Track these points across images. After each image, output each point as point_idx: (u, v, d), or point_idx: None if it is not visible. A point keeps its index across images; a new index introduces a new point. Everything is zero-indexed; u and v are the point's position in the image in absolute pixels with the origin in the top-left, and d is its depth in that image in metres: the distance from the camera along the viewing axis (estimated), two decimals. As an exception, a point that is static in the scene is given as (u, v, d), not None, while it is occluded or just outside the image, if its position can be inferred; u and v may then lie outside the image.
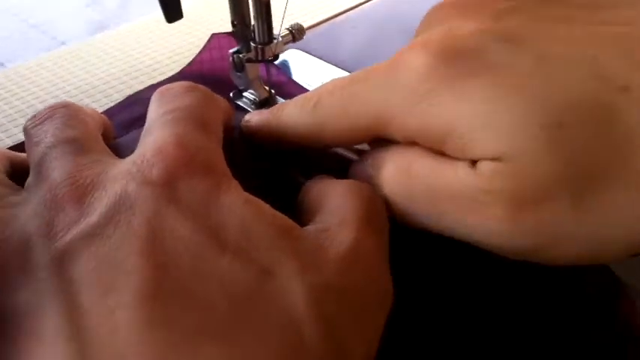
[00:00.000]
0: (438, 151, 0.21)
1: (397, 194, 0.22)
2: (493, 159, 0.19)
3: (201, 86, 0.25)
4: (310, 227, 0.20)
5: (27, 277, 0.18)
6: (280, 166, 0.30)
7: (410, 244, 0.23)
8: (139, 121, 0.36)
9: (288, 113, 0.26)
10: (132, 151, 0.22)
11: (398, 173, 0.22)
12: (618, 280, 0.26)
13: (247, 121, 0.29)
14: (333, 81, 0.24)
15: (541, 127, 0.18)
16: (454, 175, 0.20)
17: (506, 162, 0.19)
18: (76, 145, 0.22)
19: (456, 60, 0.20)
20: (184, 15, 0.32)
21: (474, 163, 0.20)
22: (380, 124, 0.22)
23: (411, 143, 0.22)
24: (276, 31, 0.35)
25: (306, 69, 0.44)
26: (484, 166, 0.19)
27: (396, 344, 0.21)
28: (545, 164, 0.18)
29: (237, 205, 0.19)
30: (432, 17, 0.23)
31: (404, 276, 0.21)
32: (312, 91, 0.25)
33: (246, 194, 0.20)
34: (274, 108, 0.27)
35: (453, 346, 0.24)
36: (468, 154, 0.20)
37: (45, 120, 0.23)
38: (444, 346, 0.24)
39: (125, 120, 0.36)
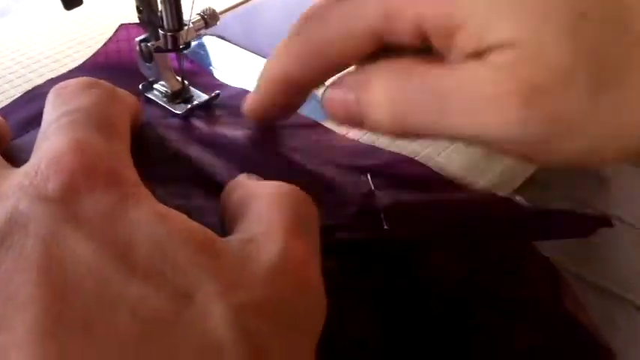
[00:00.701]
0: (444, 46, 0.22)
1: (398, 106, 0.22)
2: (510, 46, 0.20)
3: (102, 82, 0.23)
4: (233, 238, 0.18)
5: None
6: (200, 166, 0.28)
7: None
8: (39, 118, 0.33)
9: (283, 49, 0.26)
10: (28, 156, 0.19)
11: (397, 84, 0.22)
12: (560, 275, 0.26)
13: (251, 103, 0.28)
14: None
15: (566, 15, 0.19)
16: (466, 72, 0.21)
17: (524, 48, 0.19)
18: None
19: None
20: (84, 2, 0.29)
21: (481, 56, 0.20)
22: (387, 18, 0.22)
23: (398, 58, 0.23)
24: (186, 17, 0.33)
25: (224, 57, 0.42)
26: (498, 57, 0.20)
27: None
28: (565, 52, 0.19)
29: (148, 220, 0.17)
30: None
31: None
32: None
33: (160, 206, 0.18)
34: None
35: None
36: (485, 40, 0.20)
37: None
38: None
39: (23, 118, 0.33)
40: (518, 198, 0.26)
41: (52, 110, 0.21)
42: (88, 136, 0.19)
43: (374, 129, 0.24)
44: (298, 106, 0.29)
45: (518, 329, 0.24)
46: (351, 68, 0.26)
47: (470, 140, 0.22)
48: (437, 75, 0.22)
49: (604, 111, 0.20)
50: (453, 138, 0.23)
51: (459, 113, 0.21)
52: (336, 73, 0.26)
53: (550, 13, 0.19)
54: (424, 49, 0.23)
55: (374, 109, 0.23)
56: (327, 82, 0.26)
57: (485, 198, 0.25)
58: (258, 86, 0.27)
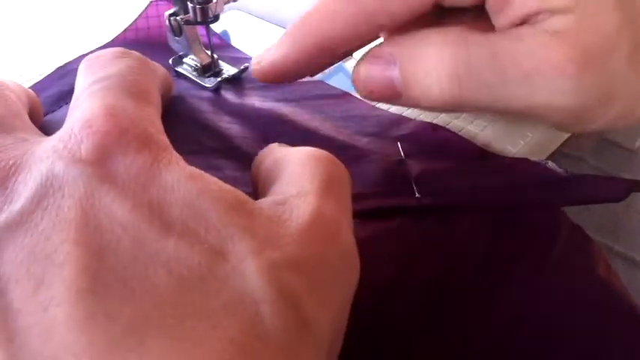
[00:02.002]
0: (499, 8, 0.22)
1: (452, 75, 0.22)
2: (564, 11, 0.20)
3: (133, 52, 0.23)
4: (265, 200, 0.18)
5: None
6: (231, 138, 0.28)
7: None
8: (71, 94, 0.33)
9: (323, 11, 0.24)
10: None
11: (453, 50, 0.22)
12: (592, 242, 0.25)
13: (261, 60, 0.26)
14: None
15: None
16: (520, 39, 0.21)
17: (578, 15, 0.20)
18: None
19: None
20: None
21: (532, 22, 0.21)
22: None
23: (449, 26, 0.23)
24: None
25: (246, 32, 0.42)
26: (554, 23, 0.20)
27: None
28: (614, 16, 0.20)
29: (181, 181, 0.17)
30: None
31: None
32: None
33: (191, 168, 0.18)
34: (296, 22, 0.25)
35: None
36: (544, 4, 0.21)
37: None
38: None
39: (54, 94, 0.33)
40: (550, 164, 0.26)
41: (83, 79, 0.21)
42: (120, 101, 0.19)
43: (420, 103, 0.24)
44: (323, 69, 0.28)
45: (547, 294, 0.23)
46: (380, 40, 0.25)
47: (523, 111, 0.22)
48: (494, 42, 0.22)
49: (636, 76, 0.21)
50: (505, 110, 0.22)
51: (518, 81, 0.21)
52: (377, 39, 0.25)
53: None
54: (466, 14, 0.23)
55: (424, 80, 0.23)
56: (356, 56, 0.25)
57: (517, 164, 0.25)
58: (284, 42, 0.25)
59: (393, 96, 0.24)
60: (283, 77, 0.26)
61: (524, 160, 0.25)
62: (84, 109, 0.19)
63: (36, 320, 0.14)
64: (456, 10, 0.24)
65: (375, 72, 0.24)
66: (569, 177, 0.25)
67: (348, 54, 0.27)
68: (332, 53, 0.25)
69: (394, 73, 0.23)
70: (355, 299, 0.18)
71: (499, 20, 0.22)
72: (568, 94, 0.21)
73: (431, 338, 0.22)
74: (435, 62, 0.22)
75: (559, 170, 0.25)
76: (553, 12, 0.20)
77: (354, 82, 0.25)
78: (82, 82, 0.21)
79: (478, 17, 0.23)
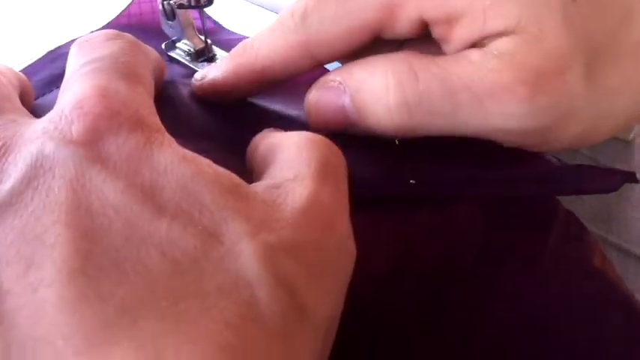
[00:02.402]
0: (444, 36, 0.22)
1: (400, 103, 0.22)
2: (511, 33, 0.20)
3: (126, 34, 0.23)
4: (260, 184, 0.18)
5: None
6: (222, 125, 0.28)
7: None
8: (61, 78, 0.33)
9: (266, 42, 0.24)
10: None
11: (399, 77, 0.22)
12: (587, 232, 0.25)
13: (204, 77, 0.27)
14: None
15: (559, 1, 0.20)
16: (469, 62, 0.21)
17: (525, 35, 0.20)
18: None
19: None
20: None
21: (481, 46, 0.21)
22: (388, 11, 0.22)
23: (395, 53, 0.22)
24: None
25: (235, 15, 0.41)
26: (500, 45, 0.20)
27: None
28: (563, 37, 0.20)
29: (174, 163, 0.17)
30: None
31: None
32: (287, 8, 0.24)
33: (184, 150, 0.18)
34: (239, 48, 0.26)
35: None
36: (487, 28, 0.20)
37: None
38: None
39: (45, 77, 0.33)
40: (546, 155, 0.26)
41: (75, 60, 0.21)
42: (111, 82, 0.19)
43: (375, 131, 0.23)
44: (263, 92, 0.28)
45: (543, 285, 0.23)
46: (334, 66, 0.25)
47: (480, 135, 0.22)
48: (443, 67, 0.21)
49: (596, 95, 0.21)
50: (462, 134, 0.22)
51: (469, 106, 0.21)
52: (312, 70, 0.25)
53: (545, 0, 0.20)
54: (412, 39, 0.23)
55: (374, 108, 0.23)
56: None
57: (512, 153, 0.25)
58: (226, 65, 0.26)
59: (348, 125, 0.24)
60: (222, 97, 0.27)
61: (520, 150, 0.25)
62: (75, 90, 0.18)
63: (25, 301, 0.14)
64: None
65: (326, 99, 0.24)
66: (564, 167, 0.25)
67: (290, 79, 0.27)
68: (272, 80, 0.26)
69: (346, 101, 0.23)
70: (353, 288, 0.18)
71: (448, 48, 0.22)
72: (523, 117, 0.20)
73: (430, 328, 0.22)
74: (382, 91, 0.22)
75: (553, 160, 0.25)
76: (497, 35, 0.20)
77: (306, 113, 0.25)
78: (73, 63, 0.21)
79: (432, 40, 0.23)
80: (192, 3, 0.31)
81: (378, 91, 0.22)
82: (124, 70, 0.20)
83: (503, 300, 0.22)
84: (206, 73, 0.27)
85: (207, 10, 0.34)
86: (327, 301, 0.17)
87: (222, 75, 0.26)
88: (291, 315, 0.15)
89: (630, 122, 0.22)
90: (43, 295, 0.14)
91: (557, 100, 0.20)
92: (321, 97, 0.24)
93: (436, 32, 0.22)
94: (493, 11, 0.20)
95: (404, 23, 0.22)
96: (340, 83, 0.24)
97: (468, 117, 0.21)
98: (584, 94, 0.20)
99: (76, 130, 0.17)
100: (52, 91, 0.32)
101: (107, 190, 0.16)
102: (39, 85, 0.32)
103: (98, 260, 0.15)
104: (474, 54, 0.21)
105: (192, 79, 0.28)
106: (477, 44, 0.21)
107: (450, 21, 0.21)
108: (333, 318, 0.17)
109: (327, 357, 0.17)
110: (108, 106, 0.18)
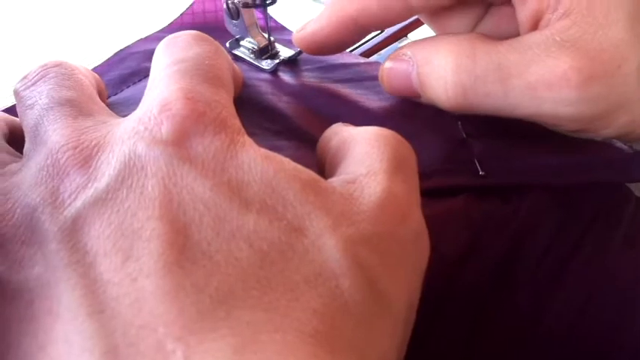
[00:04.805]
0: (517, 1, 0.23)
1: (457, 84, 0.23)
2: (578, 14, 0.21)
3: (210, 37, 0.24)
4: (336, 179, 0.19)
5: (35, 251, 0.16)
6: (295, 125, 0.29)
7: None
8: (131, 78, 0.34)
9: None
10: (127, 112, 0.20)
11: (459, 60, 0.23)
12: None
13: (303, 29, 0.29)
14: None
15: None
16: (528, 48, 0.22)
17: (590, 18, 0.20)
18: (74, 107, 0.20)
19: None
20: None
21: (547, 23, 0.22)
22: None
23: (463, 34, 0.24)
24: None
25: (299, 13, 0.42)
26: (564, 28, 0.21)
27: None
28: (626, 28, 0.20)
29: (257, 161, 0.18)
30: None
31: None
32: None
33: (264, 150, 0.19)
34: None
35: None
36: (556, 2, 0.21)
37: (38, 81, 0.21)
38: None
39: (116, 78, 0.34)
40: (615, 141, 0.25)
41: (161, 60, 0.22)
42: (197, 85, 0.20)
43: (435, 104, 0.25)
44: (352, 45, 0.30)
45: (613, 274, 0.23)
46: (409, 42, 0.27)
47: (531, 118, 0.23)
48: (501, 52, 0.22)
49: None
50: (512, 116, 0.23)
51: (521, 92, 0.22)
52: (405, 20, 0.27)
53: None
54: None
55: (435, 84, 0.24)
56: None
57: (580, 142, 0.25)
58: (323, 14, 0.28)
59: (412, 94, 0.26)
60: (319, 47, 0.29)
61: (588, 140, 0.25)
62: (161, 90, 0.19)
63: (126, 291, 0.15)
64: None
65: (397, 70, 0.26)
66: (636, 153, 0.25)
67: (380, 29, 0.29)
68: (366, 27, 0.27)
69: (413, 73, 0.25)
70: (425, 277, 0.19)
71: (520, 13, 0.23)
72: (572, 104, 0.21)
73: (494, 314, 0.22)
74: (442, 70, 0.24)
75: (624, 147, 0.25)
76: (564, 14, 0.21)
77: (379, 79, 0.28)
78: (159, 62, 0.22)
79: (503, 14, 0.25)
80: (257, 2, 0.32)
81: (438, 70, 0.24)
82: (208, 73, 0.21)
83: (574, 286, 0.23)
84: (305, 25, 0.29)
85: (270, 13, 0.35)
86: (405, 290, 0.17)
87: (319, 23, 0.28)
88: (372, 303, 0.16)
89: None
90: (141, 284, 0.15)
91: (608, 91, 0.21)
92: (393, 66, 0.27)
93: None
94: None
95: None
96: (410, 57, 0.26)
97: (519, 102, 0.22)
98: (635, 87, 0.21)
99: (165, 131, 0.18)
100: (122, 90, 0.33)
101: (197, 188, 0.17)
102: (110, 85, 0.33)
103: (192, 253, 0.15)
104: (536, 37, 0.22)
105: (294, 32, 0.30)
106: (543, 18, 0.22)
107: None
108: (411, 306, 0.18)
109: (406, 343, 0.18)
110: (194, 108, 0.18)
